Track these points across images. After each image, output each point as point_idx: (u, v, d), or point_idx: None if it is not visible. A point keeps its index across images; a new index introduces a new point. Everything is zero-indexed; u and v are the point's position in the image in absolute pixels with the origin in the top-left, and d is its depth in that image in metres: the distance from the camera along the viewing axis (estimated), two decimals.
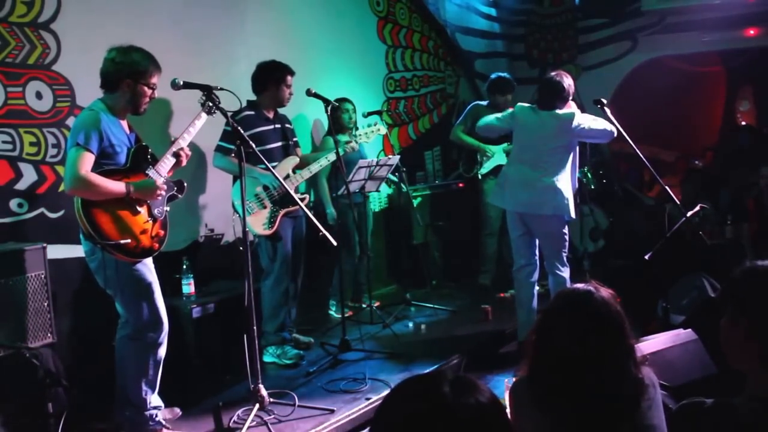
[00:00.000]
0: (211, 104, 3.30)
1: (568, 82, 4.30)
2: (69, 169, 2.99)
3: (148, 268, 3.22)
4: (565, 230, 4.41)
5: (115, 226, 3.03)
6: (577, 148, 4.42)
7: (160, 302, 3.24)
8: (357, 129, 4.93)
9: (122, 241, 3.02)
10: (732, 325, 1.61)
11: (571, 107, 4.33)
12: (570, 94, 4.32)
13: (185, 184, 3.40)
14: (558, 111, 4.28)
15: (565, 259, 4.41)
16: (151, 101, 3.25)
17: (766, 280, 1.60)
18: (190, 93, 3.35)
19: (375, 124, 4.83)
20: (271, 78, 4.36)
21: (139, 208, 3.13)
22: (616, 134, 4.20)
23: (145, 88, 3.17)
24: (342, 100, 5.20)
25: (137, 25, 4.19)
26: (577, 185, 4.54)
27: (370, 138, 4.80)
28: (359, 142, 4.73)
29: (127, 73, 3.13)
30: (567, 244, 4.43)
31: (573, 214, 4.35)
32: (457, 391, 1.13)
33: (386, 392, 1.48)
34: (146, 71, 3.15)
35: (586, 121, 4.26)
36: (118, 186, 3.04)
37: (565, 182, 4.29)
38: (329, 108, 4.37)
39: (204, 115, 3.36)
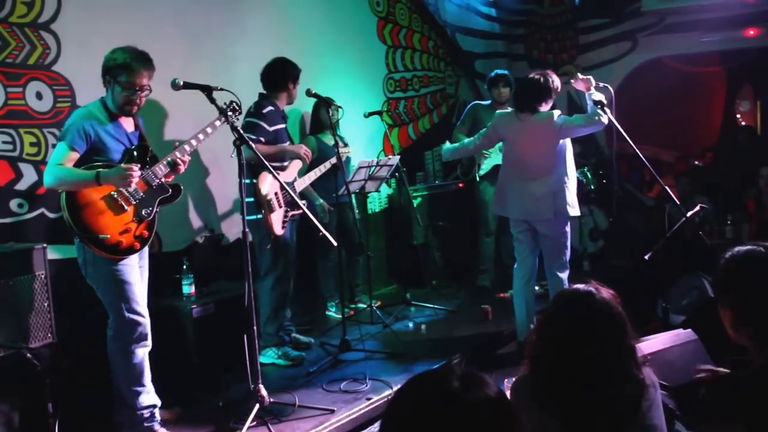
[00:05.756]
0: (231, 113, 3.28)
1: (548, 81, 4.20)
2: (47, 163, 3.05)
3: (131, 268, 3.18)
4: (567, 231, 4.36)
5: (95, 221, 3.02)
6: (570, 145, 4.34)
7: (138, 303, 3.20)
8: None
9: (100, 236, 3.00)
10: (724, 311, 1.76)
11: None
12: (552, 92, 4.23)
13: (182, 188, 3.39)
14: (536, 113, 4.22)
15: (565, 261, 4.37)
16: (132, 103, 3.13)
17: (745, 265, 1.75)
18: (191, 93, 3.34)
19: (345, 145, 4.89)
20: (290, 76, 4.38)
21: (125, 207, 3.10)
22: (606, 123, 4.09)
23: (118, 87, 3.07)
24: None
25: (137, 26, 4.19)
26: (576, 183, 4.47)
27: (343, 157, 4.79)
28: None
29: (105, 70, 3.11)
30: (568, 246, 4.39)
31: (574, 213, 4.30)
32: (466, 386, 1.16)
33: (396, 388, 1.48)
34: (120, 69, 3.05)
35: (567, 117, 4.19)
36: (87, 176, 3.00)
37: (563, 183, 4.24)
38: (329, 108, 4.39)
39: (218, 124, 3.34)
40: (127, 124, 3.25)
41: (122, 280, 3.14)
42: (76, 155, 3.02)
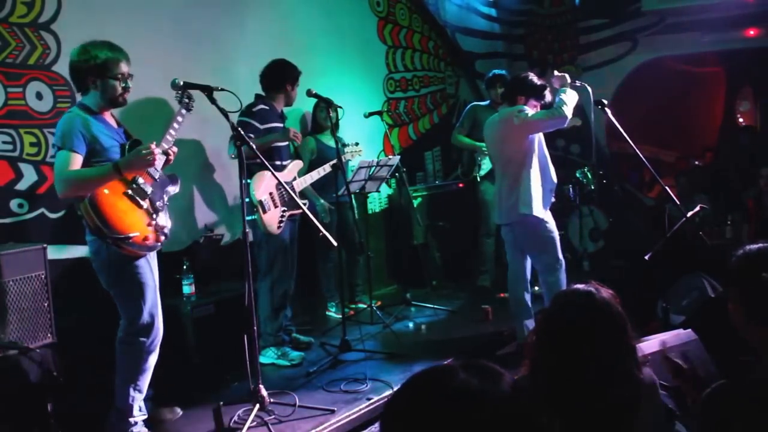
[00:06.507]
0: (187, 101, 3.25)
1: (534, 80, 4.23)
2: (55, 174, 3.00)
3: (150, 269, 3.19)
4: (548, 230, 4.25)
5: (122, 220, 3.01)
6: (538, 143, 4.25)
7: (156, 308, 3.20)
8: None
9: (131, 234, 3.00)
10: (734, 309, 1.76)
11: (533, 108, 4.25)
12: (534, 89, 4.22)
13: (179, 179, 3.39)
14: (509, 107, 4.23)
15: (552, 262, 4.27)
16: (127, 91, 3.13)
17: (759, 263, 1.75)
18: (191, 93, 3.34)
19: (357, 144, 4.87)
20: (290, 78, 4.39)
21: (142, 202, 3.11)
22: (568, 119, 4.05)
23: (112, 81, 3.06)
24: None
25: (137, 26, 4.20)
26: (554, 182, 4.34)
27: (353, 157, 4.86)
28: (346, 159, 4.81)
29: (88, 70, 3.04)
30: (553, 244, 4.26)
31: (525, 210, 4.14)
32: (478, 379, 1.05)
33: (397, 387, 1.43)
34: (106, 64, 3.04)
35: (529, 113, 4.14)
36: (105, 169, 2.99)
37: (526, 182, 4.15)
38: (329, 108, 4.39)
39: (184, 112, 3.29)
40: (111, 121, 3.22)
41: (144, 283, 3.14)
42: (79, 158, 2.98)
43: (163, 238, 3.20)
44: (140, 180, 3.12)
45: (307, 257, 5.02)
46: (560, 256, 4.32)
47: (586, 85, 4.27)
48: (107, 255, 3.06)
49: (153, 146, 3.04)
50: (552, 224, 4.30)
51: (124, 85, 3.10)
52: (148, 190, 3.15)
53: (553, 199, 4.40)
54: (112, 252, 3.04)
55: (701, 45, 7.40)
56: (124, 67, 3.10)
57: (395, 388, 3.69)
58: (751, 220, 6.11)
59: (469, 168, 6.01)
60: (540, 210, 4.20)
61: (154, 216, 3.16)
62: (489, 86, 5.78)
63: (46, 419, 3.04)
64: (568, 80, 4.22)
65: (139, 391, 3.21)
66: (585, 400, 1.76)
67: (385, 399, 3.65)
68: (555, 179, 4.36)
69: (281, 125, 4.39)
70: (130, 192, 3.07)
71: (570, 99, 4.12)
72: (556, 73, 4.29)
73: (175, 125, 3.28)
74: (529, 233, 4.27)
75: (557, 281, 4.27)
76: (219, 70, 4.60)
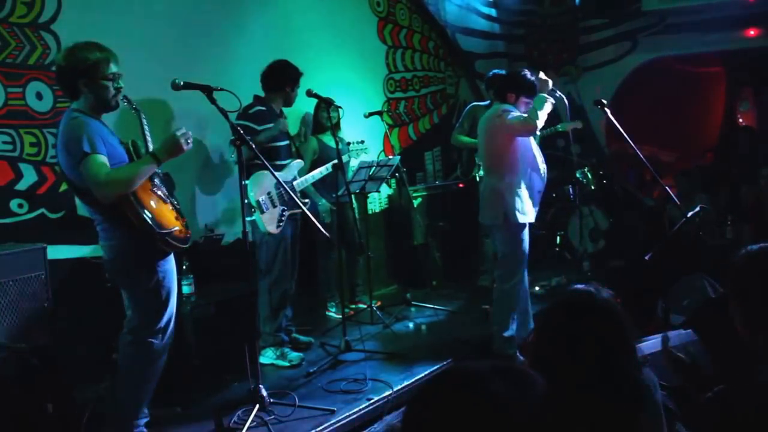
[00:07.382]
0: (122, 99, 3.11)
1: (524, 77, 4.18)
2: (92, 181, 2.78)
3: (173, 271, 3.14)
4: (519, 238, 4.15)
5: (162, 215, 2.97)
6: (524, 144, 4.18)
7: (172, 310, 3.16)
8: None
9: (173, 228, 2.97)
10: (735, 310, 1.76)
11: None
12: (522, 87, 4.18)
13: (171, 177, 3.38)
14: (498, 104, 4.22)
15: (504, 272, 4.22)
16: (119, 92, 2.97)
17: (761, 264, 1.75)
18: (191, 93, 3.34)
19: (362, 142, 4.93)
20: (290, 79, 4.39)
21: (164, 196, 3.09)
22: (538, 127, 4.01)
23: (104, 82, 2.91)
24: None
25: (137, 26, 4.20)
26: (543, 182, 4.27)
27: (359, 156, 4.96)
28: (352, 157, 4.89)
29: (79, 73, 2.87)
30: (513, 256, 4.18)
31: (523, 219, 4.10)
32: (510, 387, 0.94)
33: (423, 383, 1.38)
34: (98, 65, 2.88)
35: (510, 115, 4.10)
36: (145, 161, 2.91)
37: (508, 184, 4.11)
38: (329, 109, 4.39)
39: (141, 114, 3.17)
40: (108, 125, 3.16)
41: (170, 288, 3.10)
42: (107, 159, 2.86)
43: (189, 231, 3.16)
44: (155, 178, 3.10)
45: (308, 257, 5.02)
46: (524, 270, 4.24)
47: (563, 96, 4.26)
48: (135, 258, 2.98)
49: (184, 130, 2.97)
50: (527, 234, 4.22)
51: (116, 85, 2.97)
52: (163, 186, 3.14)
53: (554, 194, 4.38)
54: (141, 254, 2.97)
55: (701, 45, 7.40)
56: (114, 67, 2.96)
57: (395, 388, 3.70)
58: (752, 220, 6.11)
59: (468, 168, 6.01)
60: (523, 215, 4.13)
61: (175, 210, 3.13)
62: (489, 86, 5.78)
63: (46, 419, 3.04)
64: (549, 86, 4.18)
65: (147, 393, 3.17)
66: (585, 401, 1.76)
67: (385, 399, 3.65)
68: (544, 179, 4.30)
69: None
70: (154, 188, 3.04)
71: (545, 108, 4.05)
72: (541, 75, 4.25)
73: (146, 127, 3.20)
74: (502, 234, 4.23)
75: (508, 295, 4.21)
76: (219, 70, 4.60)
